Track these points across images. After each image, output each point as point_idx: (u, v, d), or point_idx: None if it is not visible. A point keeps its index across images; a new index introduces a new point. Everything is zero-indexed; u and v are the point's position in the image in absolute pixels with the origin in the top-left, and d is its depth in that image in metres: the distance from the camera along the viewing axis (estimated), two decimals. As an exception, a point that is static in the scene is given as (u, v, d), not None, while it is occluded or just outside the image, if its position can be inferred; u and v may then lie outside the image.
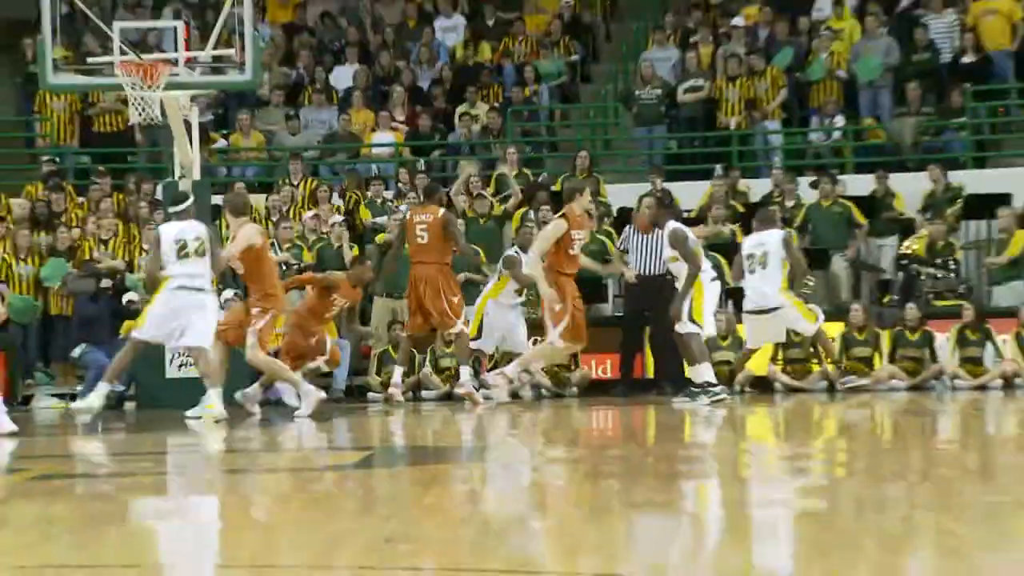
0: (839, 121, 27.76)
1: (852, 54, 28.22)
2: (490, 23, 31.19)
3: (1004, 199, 25.02)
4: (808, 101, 28.24)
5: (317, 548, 7.57)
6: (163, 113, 21.55)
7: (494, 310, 22.22)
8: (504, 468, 12.79)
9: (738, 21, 29.40)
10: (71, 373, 21.15)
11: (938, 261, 24.18)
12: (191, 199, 18.54)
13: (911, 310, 22.99)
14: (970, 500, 9.61)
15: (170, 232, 17.87)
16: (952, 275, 24.24)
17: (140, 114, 21.84)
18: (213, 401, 18.02)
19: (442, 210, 20.69)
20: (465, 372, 21.19)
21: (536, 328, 21.73)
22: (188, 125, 21.88)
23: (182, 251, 17.63)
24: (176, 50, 21.69)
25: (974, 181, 25.71)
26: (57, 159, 27.78)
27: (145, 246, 23.40)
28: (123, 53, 21.32)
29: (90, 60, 22.10)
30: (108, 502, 10.81)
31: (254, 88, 25.97)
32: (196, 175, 21.97)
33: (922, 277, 24.06)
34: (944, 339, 22.46)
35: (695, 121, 28.13)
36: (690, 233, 19.70)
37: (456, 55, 30.36)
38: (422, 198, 21.68)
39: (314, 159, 27.66)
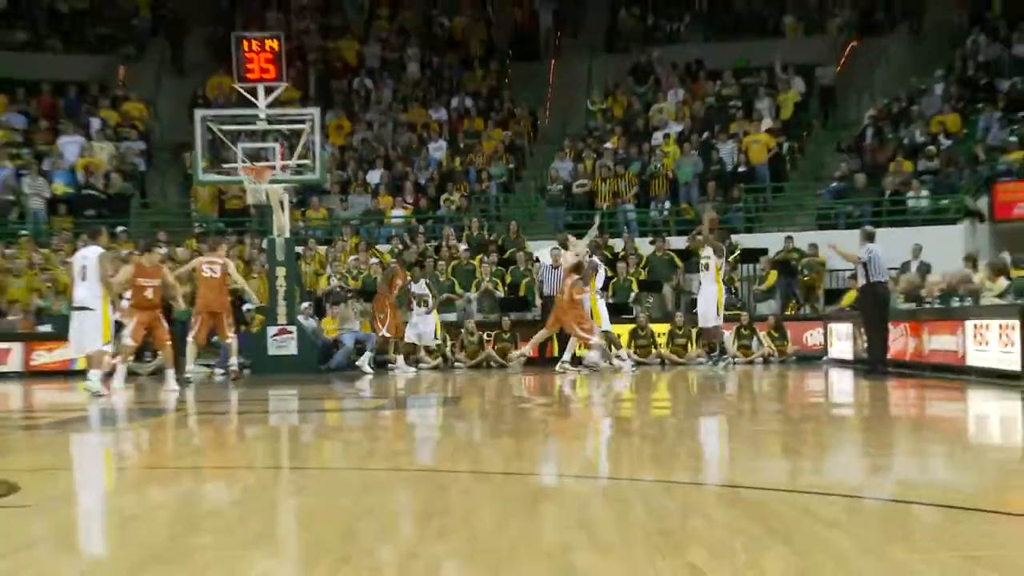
0: (667, 204, 27.89)
1: (675, 165, 28.27)
2: (462, 145, 31.23)
3: (763, 251, 25.18)
4: (649, 192, 28.20)
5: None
6: (267, 197, 21.74)
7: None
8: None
9: (608, 145, 29.40)
10: (209, 353, 21.03)
11: (727, 288, 24.29)
12: None
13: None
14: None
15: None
16: (734, 296, 24.31)
17: (253, 198, 22.16)
18: None
19: None
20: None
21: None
22: (282, 204, 22.04)
23: None
24: (275, 160, 21.81)
25: (747, 240, 25.63)
26: (204, 224, 27.80)
27: (254, 276, 23.55)
28: (244, 162, 21.54)
29: (224, 166, 22.14)
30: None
31: (321, 183, 26.07)
32: (287, 234, 22.10)
33: (717, 297, 24.13)
34: (728, 335, 22.54)
35: (582, 204, 28.11)
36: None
37: (442, 164, 30.38)
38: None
39: (356, 225, 27.62)
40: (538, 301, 23.40)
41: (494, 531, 5.34)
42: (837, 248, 18.78)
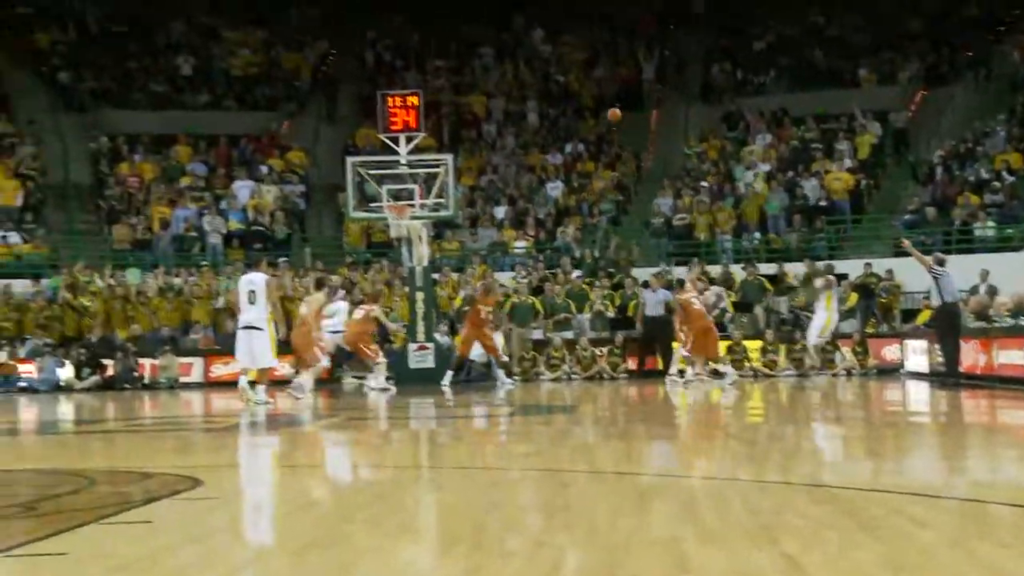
0: (756, 235, 27.63)
1: (764, 200, 28.03)
2: (575, 184, 31.24)
3: (845, 276, 24.36)
4: (741, 223, 27.99)
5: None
6: (408, 231, 21.88)
7: None
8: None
9: (704, 183, 29.24)
10: (359, 366, 21.14)
11: (811, 309, 23.97)
12: None
13: (798, 335, 22.85)
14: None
15: None
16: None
17: (396, 232, 22.29)
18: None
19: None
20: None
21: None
22: (420, 237, 22.15)
23: None
24: (415, 199, 21.94)
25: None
26: (354, 255, 28.09)
27: (396, 298, 23.73)
28: (388, 201, 21.70)
29: (371, 205, 22.34)
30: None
31: (454, 218, 26.23)
32: (425, 263, 22.22)
33: (803, 317, 23.82)
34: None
35: (682, 235, 27.98)
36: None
37: (558, 201, 30.40)
38: None
39: (484, 255, 27.70)
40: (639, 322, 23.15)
41: (610, 524, 5.25)
42: (907, 245, 18.54)
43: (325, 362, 18.41)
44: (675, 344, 20.05)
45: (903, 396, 17.06)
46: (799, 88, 33.71)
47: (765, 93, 34.17)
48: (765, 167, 29.64)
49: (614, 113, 21.79)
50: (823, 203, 27.90)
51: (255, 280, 15.67)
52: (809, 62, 34.91)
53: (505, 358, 21.40)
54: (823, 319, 21.39)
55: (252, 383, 15.74)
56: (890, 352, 22.85)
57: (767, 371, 22.39)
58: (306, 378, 16.93)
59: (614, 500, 6.06)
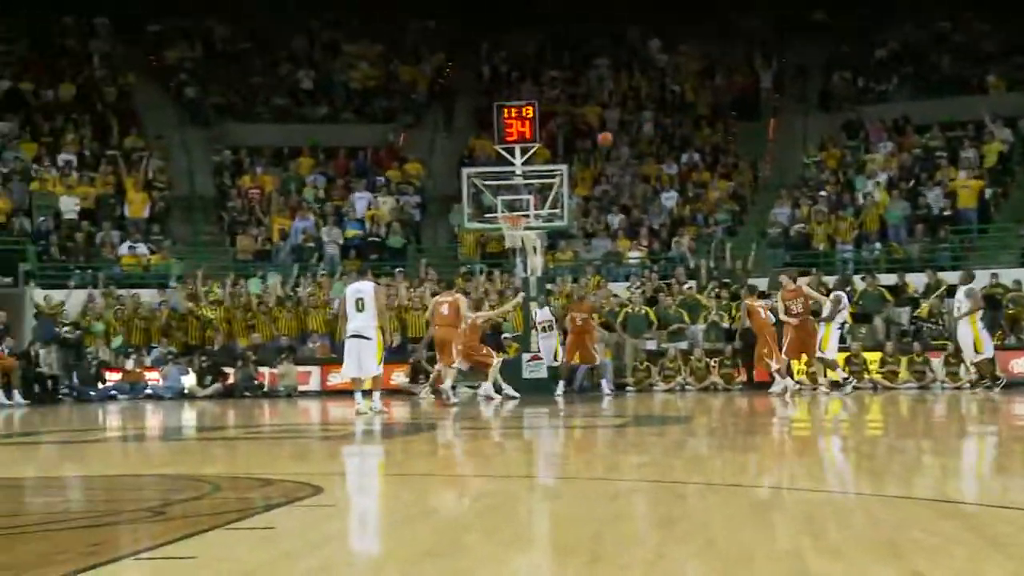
0: (877, 245, 27.11)
1: (885, 209, 27.51)
2: (691, 194, 31.00)
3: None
4: (862, 232, 27.52)
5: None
6: (522, 241, 21.92)
7: None
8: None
9: (823, 193, 28.84)
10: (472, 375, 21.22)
11: (932, 320, 23.46)
12: None
13: (917, 346, 22.38)
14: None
15: None
16: (940, 327, 23.47)
17: (511, 242, 22.32)
18: None
19: None
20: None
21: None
22: (535, 248, 22.15)
23: None
24: (529, 209, 22.00)
25: (953, 277, 24.28)
26: (468, 265, 28.20)
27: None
28: (503, 211, 21.79)
29: (486, 215, 22.43)
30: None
31: (568, 228, 26.10)
32: (539, 274, 22.21)
33: (924, 328, 23.33)
34: (938, 362, 21.78)
35: (799, 245, 27.61)
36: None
37: (673, 211, 30.18)
38: None
39: (598, 264, 27.64)
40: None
41: (728, 537, 5.18)
42: None
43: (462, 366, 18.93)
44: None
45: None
46: (923, 95, 33.03)
47: (887, 101, 33.53)
48: (886, 176, 29.11)
49: (605, 137, 21.84)
50: (947, 212, 27.31)
51: (363, 288, 15.49)
52: (935, 68, 34.19)
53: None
54: (971, 334, 20.51)
55: (367, 392, 15.81)
56: (1018, 365, 22.23)
57: (887, 383, 21.93)
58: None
59: (730, 512, 5.99)
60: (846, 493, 6.93)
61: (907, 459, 9.23)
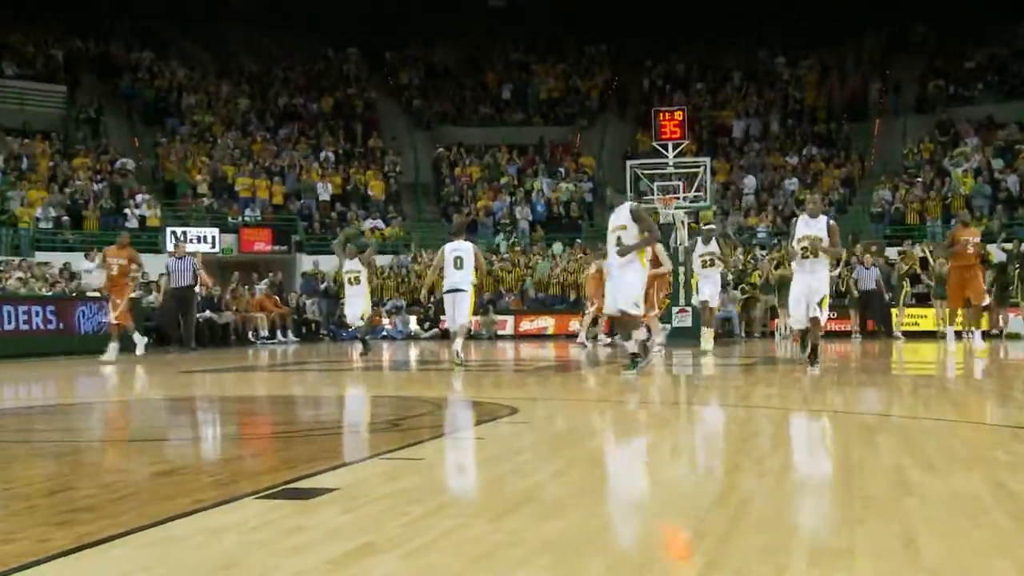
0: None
1: (971, 192, 26.03)
2: (808, 180, 29.98)
3: None
4: (949, 212, 25.97)
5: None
6: (673, 218, 21.57)
7: None
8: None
9: (919, 179, 27.49)
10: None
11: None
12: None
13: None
14: None
15: None
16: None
17: (664, 219, 21.95)
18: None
19: None
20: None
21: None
22: (683, 223, 21.81)
23: None
24: (679, 193, 21.68)
25: None
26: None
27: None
28: (658, 194, 21.53)
29: (644, 197, 22.09)
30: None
31: (709, 208, 25.51)
32: (686, 244, 21.67)
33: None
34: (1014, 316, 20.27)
35: (896, 221, 26.35)
36: None
37: (794, 193, 29.15)
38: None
39: (737, 235, 26.90)
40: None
41: (844, 453, 4.99)
42: None
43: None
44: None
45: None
46: (1004, 99, 31.18)
47: (973, 103, 31.82)
48: (972, 164, 27.58)
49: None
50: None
51: (462, 247, 13.22)
52: (1016, 76, 32.26)
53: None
54: None
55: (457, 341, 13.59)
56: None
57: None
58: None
59: (843, 434, 5.78)
60: (941, 420, 6.60)
61: (993, 394, 8.74)
